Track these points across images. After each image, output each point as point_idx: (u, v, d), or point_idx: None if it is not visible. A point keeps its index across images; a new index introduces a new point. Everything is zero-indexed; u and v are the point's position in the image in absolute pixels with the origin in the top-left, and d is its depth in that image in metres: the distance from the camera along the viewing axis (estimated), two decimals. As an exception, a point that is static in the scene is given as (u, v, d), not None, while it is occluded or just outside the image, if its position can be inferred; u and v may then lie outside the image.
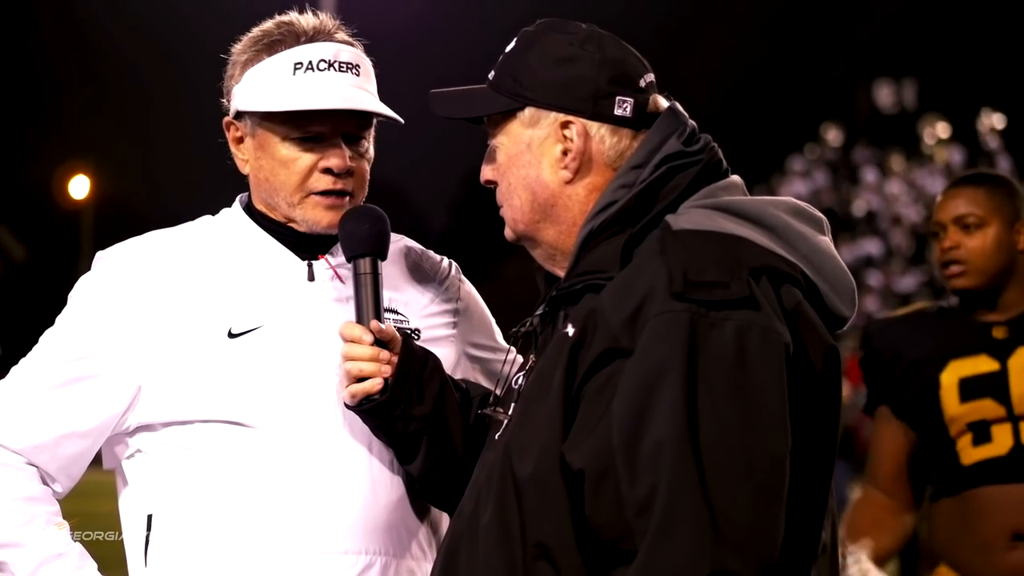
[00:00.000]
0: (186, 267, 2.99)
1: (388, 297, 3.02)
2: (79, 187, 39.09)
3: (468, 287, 3.21)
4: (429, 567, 3.00)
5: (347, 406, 2.91)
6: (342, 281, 3.01)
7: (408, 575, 2.99)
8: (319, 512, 2.91)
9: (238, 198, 3.11)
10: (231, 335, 2.95)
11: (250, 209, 3.07)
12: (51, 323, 3.05)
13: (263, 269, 3.00)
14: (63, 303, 3.05)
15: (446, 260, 3.21)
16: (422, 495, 3.00)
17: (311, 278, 3.01)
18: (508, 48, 2.74)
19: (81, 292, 3.01)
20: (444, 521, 3.08)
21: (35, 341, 3.05)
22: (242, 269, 3.00)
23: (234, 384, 2.92)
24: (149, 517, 2.97)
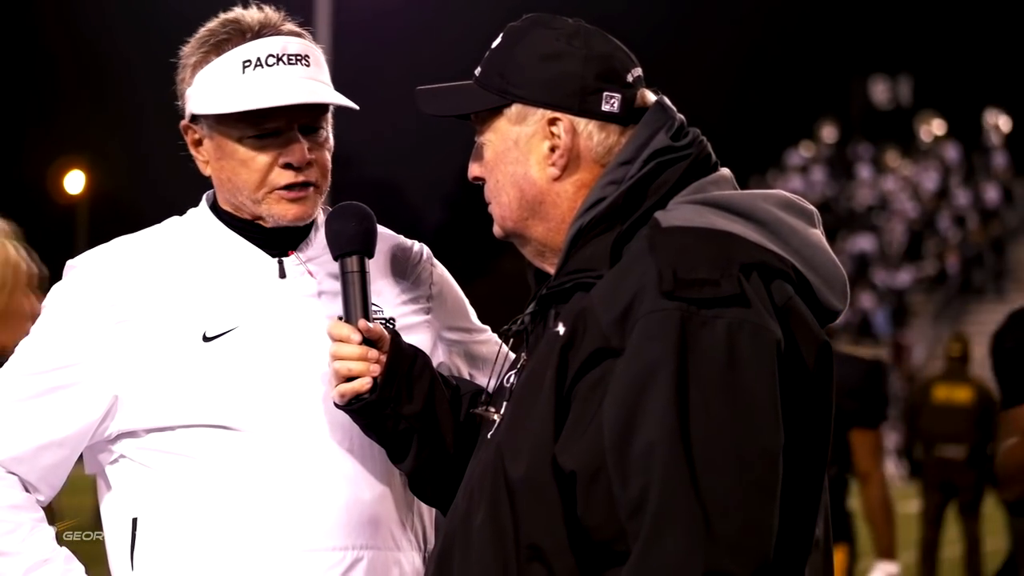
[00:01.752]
0: (157, 271, 2.97)
1: None
2: (74, 182, 39.00)
3: (440, 270, 3.19)
4: (417, 559, 3.01)
5: (336, 405, 2.89)
6: (313, 276, 2.99)
7: (396, 567, 2.98)
8: (303, 510, 2.90)
9: (204, 196, 3.09)
10: (206, 338, 2.93)
11: (216, 208, 3.05)
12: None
13: (234, 269, 2.98)
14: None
15: (417, 244, 3.18)
16: (414, 493, 2.99)
17: (282, 275, 2.99)
18: (495, 44, 2.72)
19: (53, 302, 3.00)
20: (430, 513, 3.08)
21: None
22: (213, 270, 2.98)
23: (212, 387, 2.90)
24: (134, 520, 2.96)
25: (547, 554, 2.48)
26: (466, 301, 3.22)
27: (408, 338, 2.98)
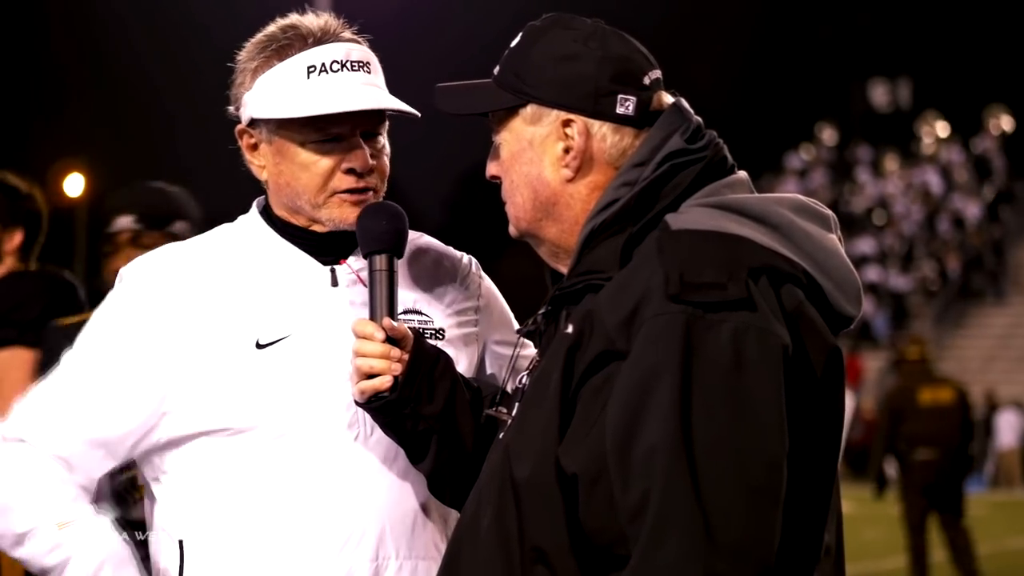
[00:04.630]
0: (210, 279, 2.97)
1: (413, 298, 3.02)
2: (73, 185, 39.02)
3: (487, 283, 3.19)
4: None
5: (357, 403, 2.89)
6: (364, 285, 2.98)
7: None
8: (350, 518, 2.90)
9: (255, 203, 3.09)
10: (259, 346, 2.93)
11: (267, 214, 3.05)
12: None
13: (287, 277, 2.98)
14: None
15: (466, 257, 3.19)
16: (433, 493, 2.98)
17: (334, 283, 2.99)
18: (513, 43, 2.71)
19: (107, 312, 2.99)
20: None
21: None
22: (266, 278, 2.98)
23: (265, 395, 2.90)
24: (180, 543, 2.95)
25: (550, 557, 2.47)
26: (511, 314, 3.22)
27: (458, 349, 3.00)
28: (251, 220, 3.05)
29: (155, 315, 2.93)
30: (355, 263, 2.99)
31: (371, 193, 2.97)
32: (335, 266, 2.99)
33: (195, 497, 2.94)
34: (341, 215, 2.96)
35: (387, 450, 2.93)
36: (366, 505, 2.91)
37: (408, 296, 3.01)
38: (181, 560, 2.95)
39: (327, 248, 3.00)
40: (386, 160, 3.01)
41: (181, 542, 2.95)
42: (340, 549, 2.90)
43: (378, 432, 2.92)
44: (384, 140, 3.01)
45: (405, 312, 2.99)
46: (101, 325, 2.98)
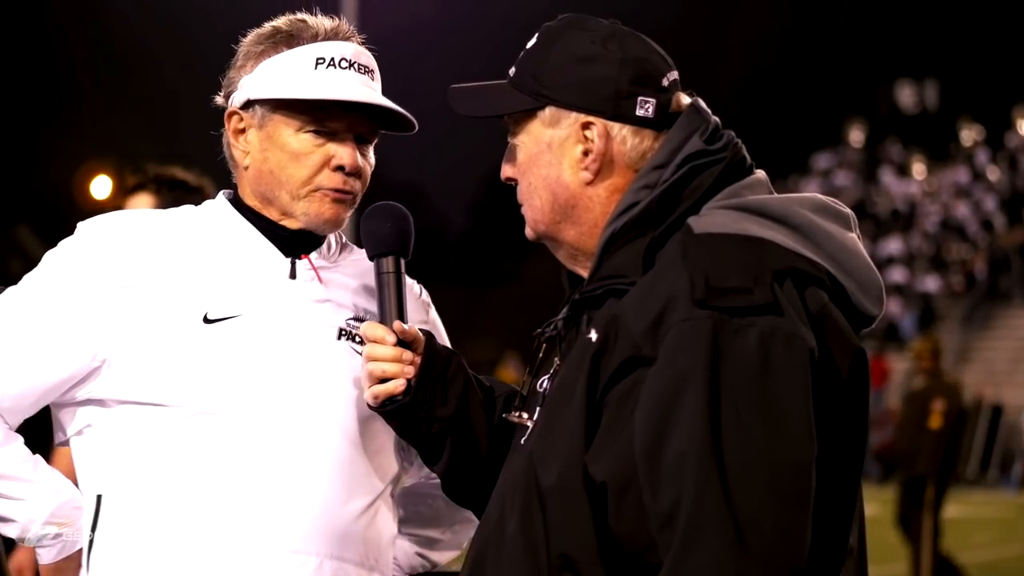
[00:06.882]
0: (168, 247, 2.94)
1: (364, 308, 2.98)
2: (100, 187, 39.10)
3: (434, 314, 3.18)
4: None
5: (370, 407, 2.87)
6: (322, 283, 2.97)
7: None
8: (272, 508, 2.84)
9: (222, 192, 3.07)
10: (207, 320, 2.89)
11: (236, 203, 3.03)
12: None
13: (245, 261, 2.96)
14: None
15: (417, 285, 3.17)
16: (447, 495, 2.97)
17: (292, 276, 2.96)
18: (529, 44, 2.70)
19: (59, 254, 2.95)
20: (393, 545, 3.02)
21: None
22: (224, 258, 2.95)
23: (205, 370, 2.86)
24: (99, 497, 2.91)
25: (578, 564, 2.46)
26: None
27: None
28: (218, 204, 3.04)
29: (101, 268, 2.90)
30: (316, 260, 2.98)
31: (351, 197, 2.96)
32: (296, 259, 2.97)
33: (115, 460, 2.89)
34: (319, 210, 2.94)
35: (334, 450, 2.88)
36: (287, 496, 2.84)
37: (357, 307, 2.98)
38: (96, 514, 2.91)
39: (292, 244, 2.97)
40: (369, 171, 3.00)
41: (99, 497, 2.91)
42: (258, 536, 2.83)
43: (314, 427, 2.87)
44: (371, 152, 3.01)
45: (355, 319, 2.96)
46: (43, 272, 2.94)
